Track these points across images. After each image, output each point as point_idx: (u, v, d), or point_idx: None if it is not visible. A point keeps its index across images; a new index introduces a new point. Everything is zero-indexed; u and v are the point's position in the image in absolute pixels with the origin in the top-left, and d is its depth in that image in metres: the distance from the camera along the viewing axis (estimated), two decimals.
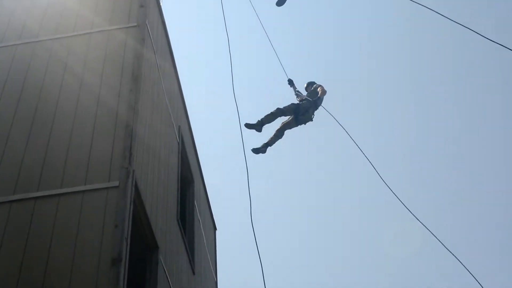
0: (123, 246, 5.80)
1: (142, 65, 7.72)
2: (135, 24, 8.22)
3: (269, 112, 12.72)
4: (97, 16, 8.53)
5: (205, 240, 12.00)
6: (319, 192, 31.10)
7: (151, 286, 7.34)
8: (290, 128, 13.06)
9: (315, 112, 13.43)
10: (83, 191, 6.35)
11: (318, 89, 13.49)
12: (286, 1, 13.54)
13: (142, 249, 7.47)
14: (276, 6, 13.51)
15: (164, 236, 8.06)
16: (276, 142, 13.11)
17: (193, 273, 10.13)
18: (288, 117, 13.05)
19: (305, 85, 14.09)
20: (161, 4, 10.48)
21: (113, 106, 7.18)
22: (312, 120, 13.29)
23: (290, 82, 14.08)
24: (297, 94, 13.84)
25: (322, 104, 13.18)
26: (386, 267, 30.00)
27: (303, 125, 13.36)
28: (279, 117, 13.02)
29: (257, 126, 12.63)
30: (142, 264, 7.47)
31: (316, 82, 13.94)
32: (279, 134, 13.15)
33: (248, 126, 12.56)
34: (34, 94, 7.55)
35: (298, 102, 13.52)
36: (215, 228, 13.93)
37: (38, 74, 7.81)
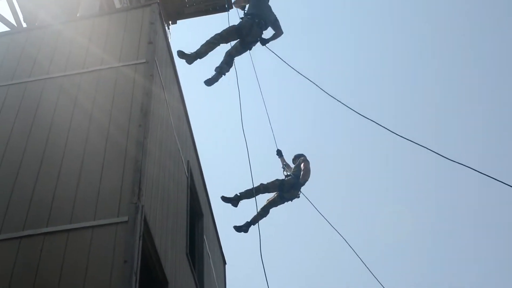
0: (132, 282, 5.79)
1: (150, 101, 7.79)
2: (144, 60, 8.31)
3: (251, 188, 12.17)
4: (106, 52, 8.63)
5: (214, 275, 11.97)
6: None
7: None
8: (276, 205, 12.54)
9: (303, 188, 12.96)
10: (93, 227, 6.37)
11: (301, 166, 12.96)
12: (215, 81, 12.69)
13: (152, 284, 7.45)
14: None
15: (173, 271, 8.05)
16: (261, 221, 12.47)
17: None
18: (273, 194, 12.50)
19: (292, 157, 13.64)
20: (169, 40, 10.59)
21: (122, 142, 7.23)
22: (298, 197, 12.85)
23: (279, 153, 13.55)
24: (284, 167, 13.29)
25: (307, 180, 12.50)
26: None
27: (290, 202, 12.96)
28: (261, 194, 12.60)
29: (234, 201, 12.08)
30: None
31: (304, 155, 13.50)
32: (263, 213, 12.55)
33: (225, 199, 12.18)
34: (44, 130, 7.63)
35: (283, 177, 13.08)
36: (224, 263, 13.89)
37: (48, 111, 7.89)
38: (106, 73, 8.32)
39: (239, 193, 12.28)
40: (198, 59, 10.85)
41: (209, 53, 11.09)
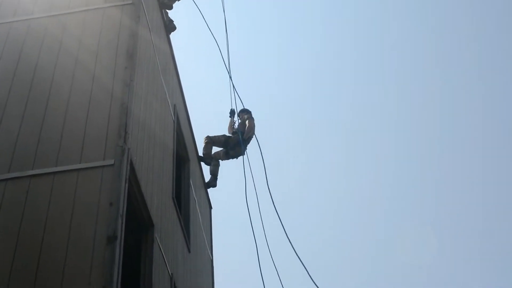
0: (118, 224, 5.80)
1: (137, 43, 7.69)
2: (130, 1, 8.17)
3: (204, 144, 12.95)
4: None
5: (200, 219, 12.03)
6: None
7: (146, 264, 7.35)
8: (222, 159, 13.13)
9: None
10: (78, 169, 6.34)
11: (246, 122, 13.22)
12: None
13: (138, 227, 7.49)
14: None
15: (159, 214, 8.07)
16: (219, 171, 13.22)
17: (189, 251, 10.16)
18: (221, 148, 13.08)
19: (238, 111, 13.70)
20: None
21: (108, 84, 7.16)
22: (244, 154, 13.04)
23: (232, 113, 13.71)
24: (233, 126, 13.51)
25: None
26: None
27: (235, 159, 13.17)
28: (213, 146, 12.97)
29: (204, 159, 12.99)
30: (137, 242, 7.49)
31: (249, 111, 13.55)
32: (216, 163, 13.15)
33: (200, 159, 12.92)
34: (28, 71, 7.52)
35: (229, 134, 13.31)
36: (210, 207, 13.95)
37: (33, 52, 7.77)
38: (92, 14, 8.18)
39: (202, 153, 12.74)
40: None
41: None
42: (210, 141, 12.90)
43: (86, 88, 7.17)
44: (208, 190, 13.46)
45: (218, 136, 13.01)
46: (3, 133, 6.88)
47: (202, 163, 12.97)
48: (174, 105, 10.34)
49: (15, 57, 7.75)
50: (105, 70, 7.35)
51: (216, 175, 13.11)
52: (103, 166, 6.33)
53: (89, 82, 7.23)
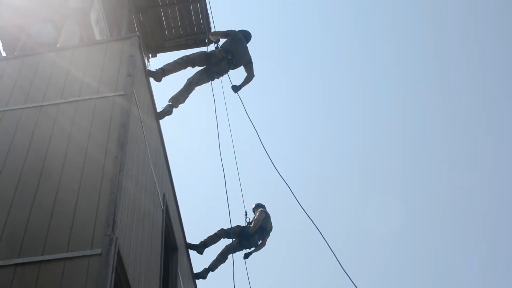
0: None
1: (128, 133, 7.76)
2: (122, 92, 8.31)
3: (213, 233, 12.41)
4: (84, 83, 8.63)
5: None
6: None
7: None
8: (234, 252, 12.55)
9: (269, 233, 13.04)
10: (65, 259, 6.28)
11: (256, 215, 13.08)
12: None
13: None
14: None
15: None
16: (219, 267, 12.64)
17: None
18: (232, 240, 12.56)
19: (253, 206, 13.77)
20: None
21: (98, 173, 7.19)
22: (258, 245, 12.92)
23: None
24: (247, 215, 13.32)
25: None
26: None
27: (248, 250, 12.97)
28: (223, 239, 12.68)
29: (199, 248, 12.23)
30: None
31: (263, 205, 13.60)
32: (221, 259, 12.64)
33: (190, 246, 12.25)
34: (19, 159, 7.56)
35: (244, 224, 13.16)
36: None
37: (24, 140, 7.84)
38: (84, 104, 8.30)
39: (204, 240, 12.37)
40: (165, 77, 10.91)
41: (174, 74, 11.13)
42: (223, 233, 12.61)
43: (75, 177, 7.20)
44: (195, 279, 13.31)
45: (233, 227, 12.68)
46: None
47: (194, 252, 12.76)
48: (164, 194, 10.35)
49: (6, 146, 7.81)
50: (95, 159, 7.40)
51: (214, 269, 12.76)
52: (90, 255, 6.29)
53: (78, 171, 7.26)
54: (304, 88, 32.72)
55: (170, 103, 11.17)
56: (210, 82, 11.85)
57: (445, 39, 31.85)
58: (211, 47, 12.72)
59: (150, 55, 16.29)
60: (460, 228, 31.95)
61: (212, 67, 11.59)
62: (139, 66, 9.35)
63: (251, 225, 12.90)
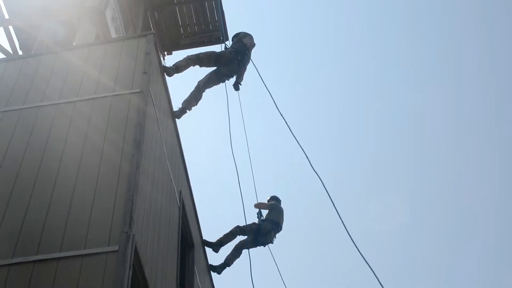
0: None
1: (144, 130, 7.79)
2: (138, 90, 8.34)
3: (229, 231, 12.38)
4: (100, 81, 8.67)
5: None
6: None
7: None
8: (248, 248, 12.47)
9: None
10: (82, 256, 6.33)
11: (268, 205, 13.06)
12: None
13: None
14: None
15: None
16: (235, 262, 12.63)
17: None
18: (248, 236, 12.51)
19: (268, 198, 13.74)
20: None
21: (114, 171, 7.23)
22: (272, 243, 12.87)
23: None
24: (259, 212, 13.33)
25: None
26: None
27: (263, 246, 12.94)
28: (239, 236, 12.63)
29: (215, 246, 12.23)
30: None
31: (278, 199, 13.59)
32: (236, 254, 12.57)
33: (206, 244, 12.28)
34: (36, 158, 7.62)
35: (260, 222, 13.11)
36: None
37: (41, 139, 7.87)
38: (100, 102, 8.34)
39: (220, 238, 12.39)
40: (178, 73, 10.96)
41: (186, 71, 11.12)
42: (238, 230, 12.59)
43: (92, 174, 7.24)
44: (211, 276, 13.33)
45: (249, 225, 12.64)
46: (9, 217, 6.91)
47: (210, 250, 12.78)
48: (180, 191, 10.39)
49: (23, 144, 7.87)
50: (112, 157, 7.44)
51: (230, 265, 12.77)
52: (108, 252, 6.33)
53: (95, 169, 7.31)
54: (308, 88, 32.61)
55: (183, 106, 11.28)
56: (220, 84, 11.89)
57: (444, 40, 31.61)
58: (228, 44, 12.75)
59: (165, 53, 16.33)
60: (464, 226, 31.76)
61: (222, 69, 11.59)
62: (154, 64, 9.38)
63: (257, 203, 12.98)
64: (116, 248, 6.32)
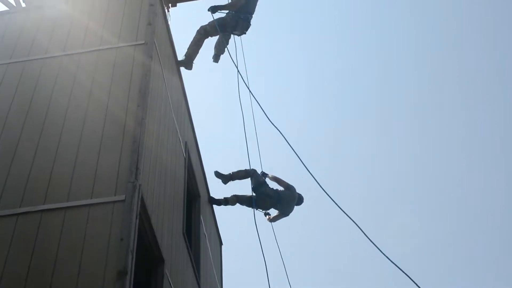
0: (128, 260, 5.85)
1: (149, 81, 7.82)
2: (143, 41, 8.34)
3: (244, 170, 12.41)
4: (105, 33, 8.66)
5: (211, 255, 12.06)
6: None
7: None
8: (242, 205, 12.48)
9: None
10: (89, 205, 6.42)
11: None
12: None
13: (148, 262, 7.53)
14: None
15: (170, 250, 8.13)
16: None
17: (199, 287, 10.19)
18: (251, 190, 12.42)
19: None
20: (168, 22, 10.62)
21: (121, 122, 7.28)
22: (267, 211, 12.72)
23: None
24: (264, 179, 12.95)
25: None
26: None
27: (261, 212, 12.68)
28: (249, 178, 12.57)
29: (225, 179, 12.39)
30: (147, 278, 7.53)
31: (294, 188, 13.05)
32: (232, 203, 12.56)
33: (217, 174, 12.35)
34: (42, 109, 7.66)
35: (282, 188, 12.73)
36: (221, 243, 13.99)
37: (46, 90, 7.91)
38: (105, 53, 8.35)
39: (232, 172, 12.46)
40: (194, 61, 11.47)
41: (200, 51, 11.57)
42: (251, 174, 12.49)
43: (98, 125, 7.30)
44: (218, 224, 13.47)
45: (264, 184, 12.47)
46: (16, 168, 7.00)
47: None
48: (186, 143, 10.46)
49: (29, 95, 7.90)
50: (118, 108, 7.48)
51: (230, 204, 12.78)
52: (114, 201, 6.41)
53: (101, 119, 7.36)
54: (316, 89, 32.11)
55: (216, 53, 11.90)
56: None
57: (443, 43, 31.04)
58: None
59: (170, 4, 16.19)
60: (476, 242, 31.43)
61: (230, 32, 11.91)
62: (159, 15, 9.35)
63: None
64: (122, 197, 6.41)
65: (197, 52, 11.54)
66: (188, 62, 11.37)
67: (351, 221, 8.85)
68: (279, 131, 10.53)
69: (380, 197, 30.86)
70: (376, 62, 30.92)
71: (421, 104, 30.81)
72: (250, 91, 11.66)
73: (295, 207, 12.92)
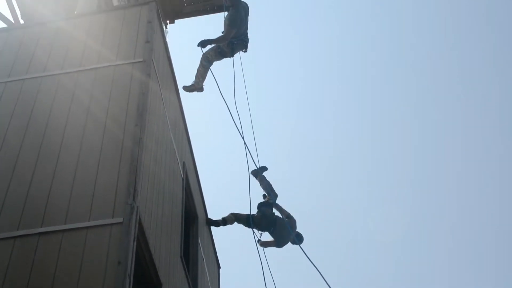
0: (126, 283, 5.72)
1: (147, 100, 7.72)
2: (141, 59, 8.25)
3: (244, 216, 12.31)
4: (103, 50, 8.59)
5: (208, 278, 11.88)
6: None
7: None
8: (239, 223, 12.45)
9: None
10: (87, 227, 6.30)
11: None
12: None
13: (145, 286, 7.38)
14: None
15: (167, 273, 7.97)
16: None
17: None
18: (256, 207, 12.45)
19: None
20: (167, 39, 10.52)
21: (118, 142, 7.17)
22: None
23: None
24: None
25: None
26: None
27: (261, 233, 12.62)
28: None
29: (215, 223, 12.49)
30: None
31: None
32: (231, 222, 12.48)
33: (209, 223, 12.41)
34: (40, 129, 7.56)
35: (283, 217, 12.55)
36: (219, 267, 13.80)
37: (45, 109, 7.83)
38: (103, 71, 8.26)
39: (225, 217, 12.33)
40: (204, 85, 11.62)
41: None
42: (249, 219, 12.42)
43: (96, 146, 7.18)
44: (215, 247, 13.29)
45: (261, 218, 12.46)
46: (14, 190, 6.88)
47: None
48: (183, 163, 10.32)
49: (27, 114, 7.80)
50: (116, 127, 7.38)
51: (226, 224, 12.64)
52: (112, 224, 6.29)
53: (99, 140, 7.25)
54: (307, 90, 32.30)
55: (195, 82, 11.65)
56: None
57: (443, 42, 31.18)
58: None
59: (168, 21, 16.14)
60: (467, 233, 31.53)
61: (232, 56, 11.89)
62: (157, 32, 9.26)
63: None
64: (120, 220, 6.29)
65: (205, 77, 11.66)
66: (198, 89, 11.60)
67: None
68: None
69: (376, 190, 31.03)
70: (377, 62, 31.13)
71: (417, 100, 31.01)
72: (240, 120, 11.72)
73: (292, 245, 12.66)
